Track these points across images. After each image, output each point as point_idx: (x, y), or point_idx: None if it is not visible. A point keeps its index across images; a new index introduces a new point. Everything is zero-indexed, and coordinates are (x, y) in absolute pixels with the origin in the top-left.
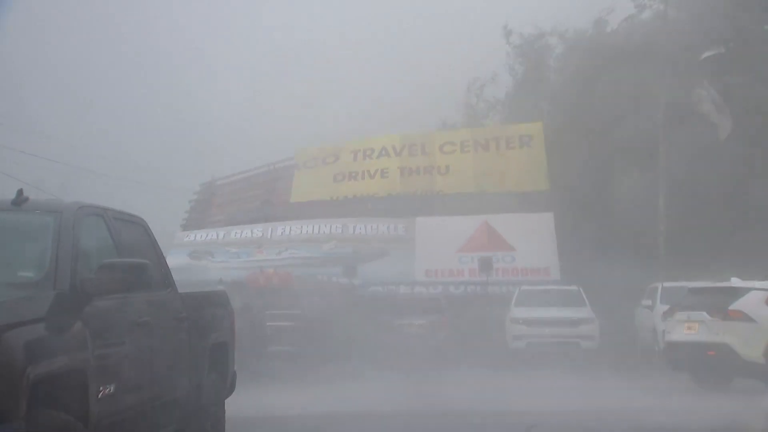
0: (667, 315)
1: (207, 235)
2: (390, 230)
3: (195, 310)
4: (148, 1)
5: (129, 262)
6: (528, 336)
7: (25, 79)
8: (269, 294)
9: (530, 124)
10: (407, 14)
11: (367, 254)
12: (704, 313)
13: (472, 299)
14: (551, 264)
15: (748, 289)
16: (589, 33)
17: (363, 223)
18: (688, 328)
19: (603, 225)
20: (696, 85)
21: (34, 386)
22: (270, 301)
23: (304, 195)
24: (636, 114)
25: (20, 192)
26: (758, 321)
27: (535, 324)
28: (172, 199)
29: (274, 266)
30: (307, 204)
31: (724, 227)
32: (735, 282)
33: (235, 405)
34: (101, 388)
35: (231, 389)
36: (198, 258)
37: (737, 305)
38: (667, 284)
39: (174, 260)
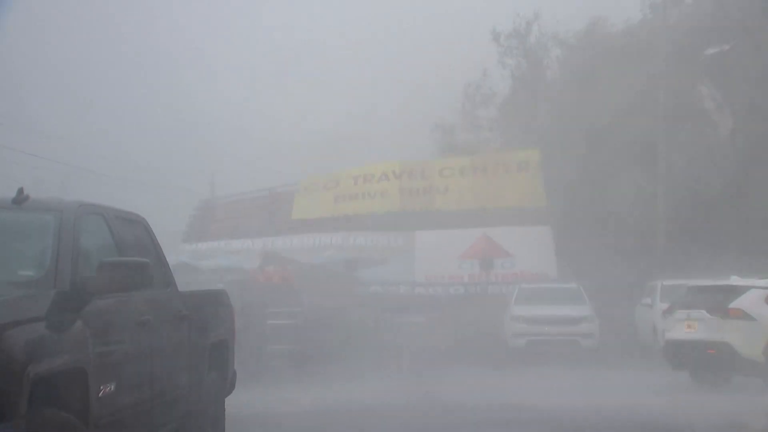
0: (667, 313)
1: (208, 246)
2: (390, 241)
3: (195, 308)
4: (148, 1)
5: (129, 260)
6: (528, 334)
7: (24, 79)
8: (269, 292)
9: (527, 151)
10: (405, 15)
11: (367, 261)
12: (704, 312)
13: (472, 298)
14: (550, 269)
15: (747, 288)
16: (589, 32)
17: (363, 236)
18: (687, 327)
19: (602, 224)
20: (697, 83)
21: (35, 385)
22: (270, 299)
23: (304, 213)
24: (636, 112)
25: (21, 190)
26: (758, 319)
27: (535, 322)
28: (172, 199)
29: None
30: (308, 221)
31: (724, 225)
32: (735, 280)
33: (235, 403)
34: (102, 387)
35: (231, 387)
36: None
37: (737, 303)
38: (666, 282)
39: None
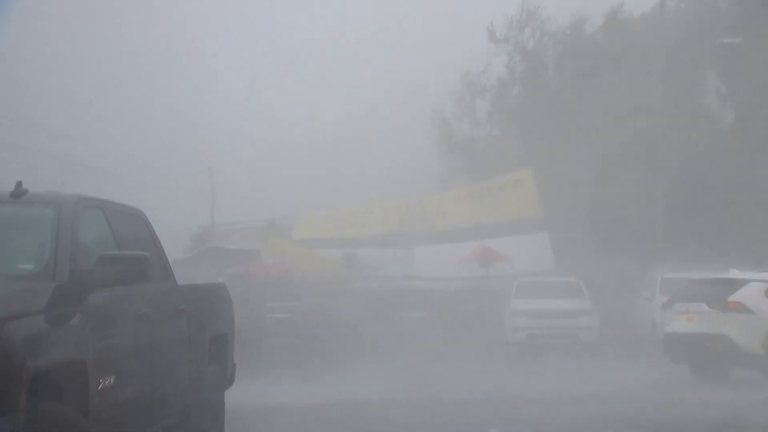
0: (667, 306)
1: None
2: (389, 254)
3: (194, 302)
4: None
5: (128, 254)
6: (527, 328)
7: (23, 79)
8: (268, 286)
9: (520, 171)
10: (404, 13)
11: (367, 268)
12: (703, 305)
13: (472, 292)
14: (548, 269)
15: (747, 281)
16: (592, 26)
17: (363, 252)
18: (687, 320)
19: (602, 219)
20: (701, 76)
21: (34, 378)
22: (269, 293)
23: (305, 235)
24: (636, 108)
25: (19, 184)
26: (757, 312)
27: (534, 316)
28: (172, 198)
29: None
30: (308, 240)
31: (724, 219)
32: (734, 273)
33: (235, 396)
34: (101, 380)
35: (230, 381)
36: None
37: (736, 297)
38: (666, 276)
39: None
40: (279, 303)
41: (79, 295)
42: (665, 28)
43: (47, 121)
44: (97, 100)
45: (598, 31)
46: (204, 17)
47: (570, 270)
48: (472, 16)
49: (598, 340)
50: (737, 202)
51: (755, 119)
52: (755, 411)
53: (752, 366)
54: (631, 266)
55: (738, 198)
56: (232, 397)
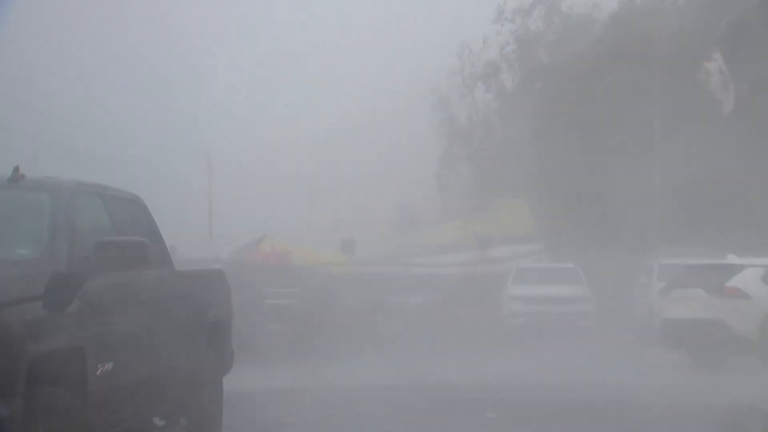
0: (664, 292)
1: None
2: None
3: (193, 288)
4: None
5: (126, 240)
6: (525, 313)
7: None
8: (267, 272)
9: (513, 200)
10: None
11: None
12: (700, 290)
13: (470, 278)
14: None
15: (744, 266)
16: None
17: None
18: (684, 305)
19: (599, 208)
20: (705, 58)
21: (33, 364)
22: (268, 279)
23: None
24: (636, 101)
25: (17, 169)
26: (754, 298)
27: (532, 301)
28: (169, 187)
29: None
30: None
31: (722, 205)
32: (731, 259)
33: (233, 382)
34: (99, 366)
35: (229, 366)
36: None
37: (733, 282)
38: (663, 261)
39: None
40: (277, 289)
41: (78, 280)
42: (672, 14)
43: (48, 108)
44: (97, 97)
45: (609, 18)
46: (204, 17)
47: (568, 255)
48: (471, 9)
49: (596, 326)
50: (736, 188)
51: (757, 104)
52: (751, 396)
53: (748, 351)
54: (629, 252)
55: (736, 184)
56: (230, 383)
